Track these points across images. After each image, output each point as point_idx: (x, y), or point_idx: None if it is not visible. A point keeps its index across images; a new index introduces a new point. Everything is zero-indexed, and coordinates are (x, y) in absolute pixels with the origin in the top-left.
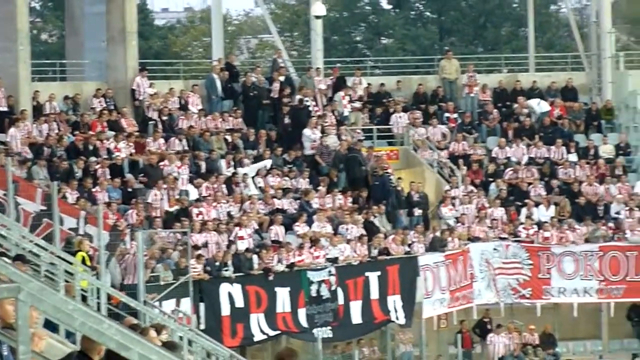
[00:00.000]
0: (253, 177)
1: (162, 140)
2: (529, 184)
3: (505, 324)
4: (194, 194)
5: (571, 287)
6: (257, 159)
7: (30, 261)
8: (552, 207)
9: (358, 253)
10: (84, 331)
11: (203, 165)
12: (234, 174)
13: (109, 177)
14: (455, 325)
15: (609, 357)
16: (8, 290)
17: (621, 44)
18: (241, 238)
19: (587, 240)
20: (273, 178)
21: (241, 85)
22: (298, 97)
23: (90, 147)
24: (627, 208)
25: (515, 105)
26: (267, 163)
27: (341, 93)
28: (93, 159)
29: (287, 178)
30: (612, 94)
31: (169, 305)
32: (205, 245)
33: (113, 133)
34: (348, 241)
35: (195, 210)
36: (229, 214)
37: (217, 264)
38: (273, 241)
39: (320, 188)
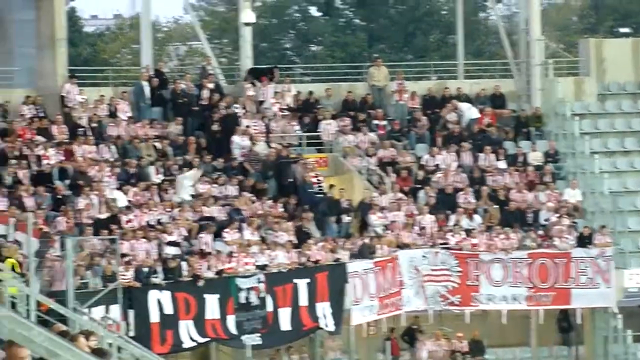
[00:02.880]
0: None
1: (91, 147)
2: (458, 190)
3: (434, 331)
4: (123, 201)
5: (500, 294)
6: (187, 165)
7: None
8: (479, 215)
9: (288, 261)
10: (14, 338)
11: (133, 172)
12: (164, 180)
13: (37, 184)
14: (384, 332)
15: None
16: None
17: (550, 52)
18: (170, 245)
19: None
20: (202, 185)
21: (170, 92)
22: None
23: (20, 155)
24: (557, 215)
25: (446, 107)
26: (198, 173)
27: (272, 99)
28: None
29: (216, 185)
30: (541, 102)
31: (98, 312)
32: (134, 252)
33: (43, 140)
34: (278, 248)
35: (124, 218)
36: (158, 221)
37: (146, 270)
38: (202, 249)
39: (249, 195)
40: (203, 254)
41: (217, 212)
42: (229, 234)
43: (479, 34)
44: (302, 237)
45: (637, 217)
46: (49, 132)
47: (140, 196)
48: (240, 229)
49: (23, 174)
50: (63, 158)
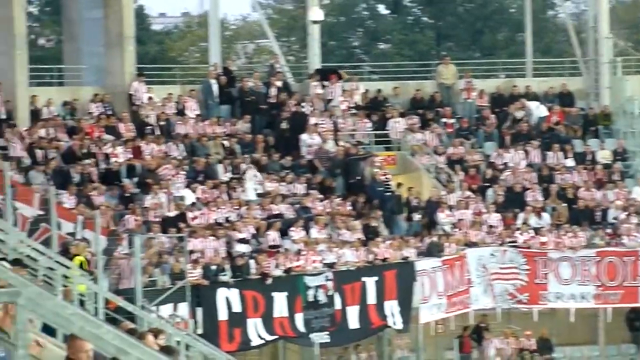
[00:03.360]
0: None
1: (159, 146)
2: (526, 189)
3: (502, 329)
4: (191, 198)
5: (568, 293)
6: (255, 164)
7: (28, 266)
8: (547, 213)
9: (356, 258)
10: (83, 335)
11: (200, 170)
12: (232, 179)
13: (105, 182)
14: (452, 331)
15: None
16: (8, 294)
17: (618, 50)
18: (238, 242)
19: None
20: (270, 183)
21: (238, 90)
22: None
23: (88, 152)
24: (625, 213)
25: (514, 105)
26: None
27: (340, 98)
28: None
29: (284, 183)
30: (609, 100)
31: (166, 309)
32: (203, 250)
33: (111, 138)
34: (346, 246)
35: (191, 215)
36: (226, 219)
37: (214, 268)
38: (270, 246)
39: (317, 193)
40: (271, 252)
41: (284, 209)
42: (296, 232)
43: (547, 31)
44: (370, 235)
45: None
46: (116, 130)
47: (209, 194)
48: (307, 227)
49: (91, 172)
50: (131, 156)
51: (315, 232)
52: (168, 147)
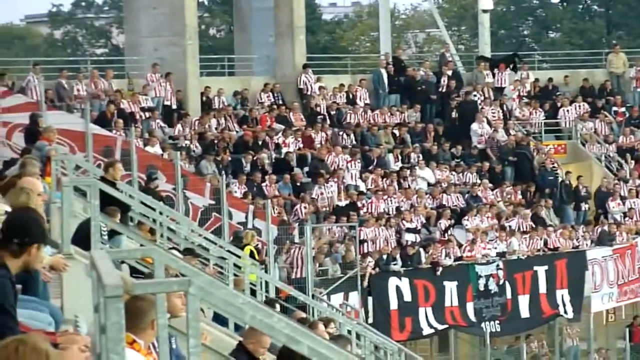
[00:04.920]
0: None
1: (329, 135)
2: None
3: None
4: (362, 188)
5: None
6: (425, 154)
7: (200, 255)
8: None
9: (525, 247)
10: (254, 325)
11: (372, 159)
12: (402, 168)
13: (276, 171)
14: (623, 320)
15: None
16: (179, 283)
17: None
18: (409, 232)
19: None
20: (441, 172)
21: (408, 79)
22: (465, 91)
23: (259, 142)
24: None
25: None
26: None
27: (510, 87)
28: (259, 152)
29: (454, 172)
30: None
31: (337, 299)
32: (374, 239)
33: (282, 127)
34: (516, 235)
35: (360, 204)
36: (397, 208)
37: (385, 257)
38: (441, 235)
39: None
40: (442, 241)
41: (455, 199)
42: (468, 221)
43: None
44: (540, 223)
45: None
46: (287, 120)
47: (380, 183)
48: (478, 216)
49: (262, 161)
50: (302, 145)
51: (486, 221)
52: (338, 137)
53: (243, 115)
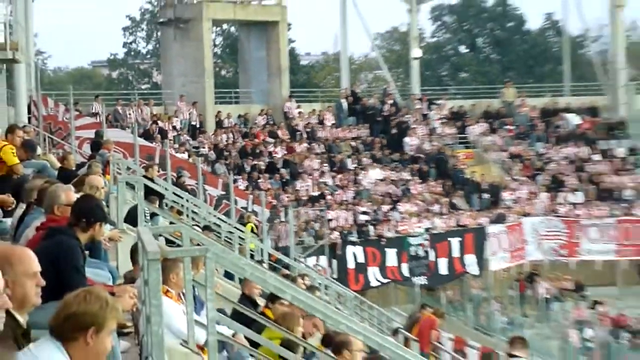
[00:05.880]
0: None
1: (305, 145)
2: (566, 175)
3: (548, 275)
4: (329, 183)
5: (595, 249)
6: (373, 159)
7: (214, 230)
8: (581, 192)
9: (445, 225)
10: (253, 279)
11: (335, 162)
12: (357, 168)
13: (268, 171)
14: (512, 275)
15: (622, 299)
16: (200, 250)
17: (631, 76)
18: (362, 214)
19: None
20: (384, 172)
21: (362, 107)
22: (401, 114)
23: (257, 151)
24: (636, 192)
25: (556, 116)
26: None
27: (433, 112)
28: (256, 157)
29: (393, 172)
30: (625, 112)
31: (311, 261)
32: (337, 218)
33: (272, 140)
34: (437, 216)
35: (327, 194)
36: (353, 197)
37: (345, 232)
38: (384, 216)
39: (417, 179)
40: (385, 220)
41: (394, 190)
42: (403, 206)
43: (580, 63)
44: (454, 208)
45: None
46: (276, 135)
47: (341, 180)
48: (410, 203)
49: (259, 165)
50: (286, 153)
51: (415, 207)
52: (312, 147)
53: (245, 132)
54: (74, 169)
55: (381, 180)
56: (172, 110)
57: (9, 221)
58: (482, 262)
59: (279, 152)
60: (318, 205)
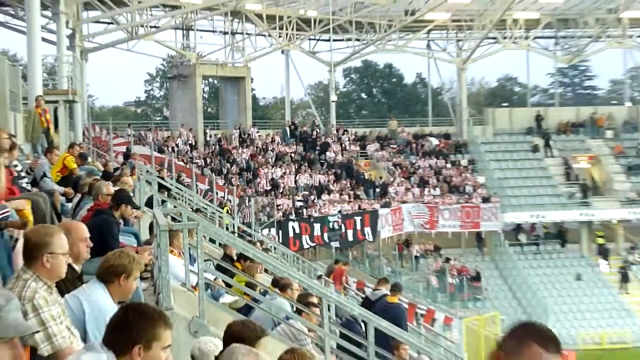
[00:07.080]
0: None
1: (262, 156)
2: (429, 177)
3: (418, 241)
4: (277, 180)
5: (448, 224)
6: (306, 165)
7: (203, 211)
8: (437, 189)
9: (351, 208)
10: (228, 243)
11: (282, 168)
12: (297, 172)
13: (240, 172)
14: (395, 241)
15: (464, 257)
16: (193, 224)
17: (471, 113)
18: (299, 201)
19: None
20: (313, 175)
21: (299, 132)
22: (324, 137)
23: (231, 159)
24: (472, 188)
25: (423, 138)
26: None
27: (344, 136)
28: (230, 162)
29: (319, 175)
30: (466, 137)
31: (265, 231)
32: (282, 204)
33: (241, 152)
34: (346, 203)
35: (277, 187)
36: (294, 190)
37: (287, 213)
38: (312, 203)
39: (333, 179)
40: (312, 205)
41: (319, 185)
42: (325, 196)
43: (439, 104)
44: (358, 197)
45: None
46: (242, 149)
47: (285, 179)
48: (329, 194)
49: (231, 168)
50: (250, 159)
51: (332, 196)
52: (266, 158)
53: (223, 147)
54: (112, 171)
55: (311, 180)
56: (176, 134)
57: (69, 205)
58: (375, 233)
59: (245, 160)
60: (270, 196)
